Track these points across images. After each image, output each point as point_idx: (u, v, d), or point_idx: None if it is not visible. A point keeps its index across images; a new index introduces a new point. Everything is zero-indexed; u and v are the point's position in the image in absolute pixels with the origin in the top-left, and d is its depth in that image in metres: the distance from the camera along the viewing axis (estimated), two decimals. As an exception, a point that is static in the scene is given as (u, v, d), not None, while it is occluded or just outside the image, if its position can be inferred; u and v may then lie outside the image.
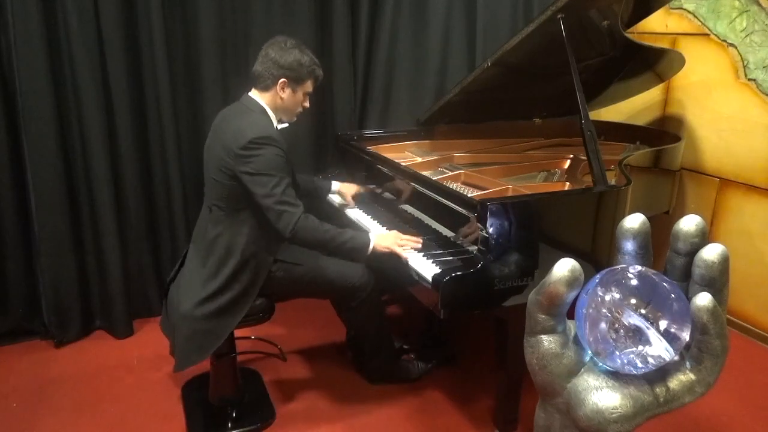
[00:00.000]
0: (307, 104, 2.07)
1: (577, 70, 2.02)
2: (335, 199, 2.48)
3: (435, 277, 1.72)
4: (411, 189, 2.17)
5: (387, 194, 2.39)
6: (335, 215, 2.45)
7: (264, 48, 1.98)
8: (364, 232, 1.99)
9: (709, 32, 2.80)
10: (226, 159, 1.88)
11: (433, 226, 2.04)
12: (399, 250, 1.89)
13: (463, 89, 2.43)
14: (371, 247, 1.92)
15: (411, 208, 2.20)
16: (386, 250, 1.91)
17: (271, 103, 1.99)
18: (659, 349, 0.46)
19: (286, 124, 2.06)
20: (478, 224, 1.74)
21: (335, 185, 2.44)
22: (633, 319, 0.46)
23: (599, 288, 0.48)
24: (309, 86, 2.03)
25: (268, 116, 1.98)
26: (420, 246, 1.93)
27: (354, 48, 2.91)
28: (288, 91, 1.97)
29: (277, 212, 1.87)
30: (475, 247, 1.77)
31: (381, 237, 1.95)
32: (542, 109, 2.87)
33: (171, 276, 2.11)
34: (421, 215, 2.13)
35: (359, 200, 2.44)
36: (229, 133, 1.90)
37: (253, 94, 2.00)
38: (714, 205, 2.88)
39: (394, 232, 1.98)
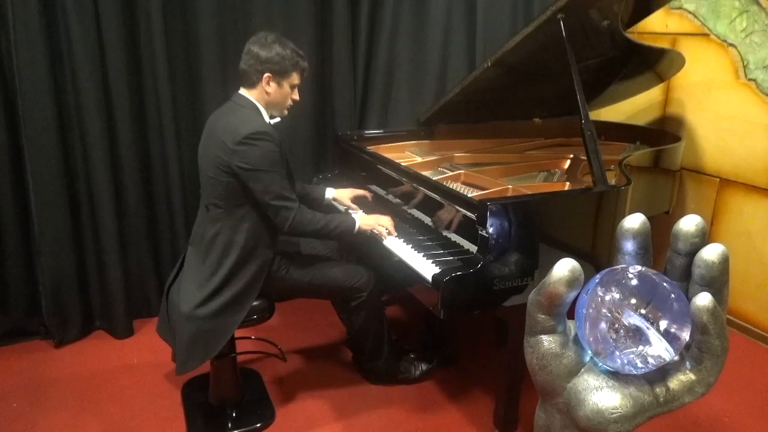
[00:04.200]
0: (296, 97, 2.07)
1: (577, 70, 2.01)
2: (338, 207, 2.43)
3: (435, 277, 1.72)
4: (411, 189, 2.17)
5: (387, 194, 2.39)
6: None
7: (246, 45, 1.99)
8: (349, 216, 2.12)
9: (709, 32, 2.80)
10: (221, 156, 1.89)
11: (433, 226, 2.05)
12: (380, 229, 2.10)
13: (463, 89, 2.42)
14: (357, 227, 2.07)
15: (411, 208, 2.20)
16: (369, 228, 2.10)
17: (260, 98, 2.00)
18: (659, 349, 0.46)
19: (278, 119, 2.07)
20: (478, 224, 1.74)
21: (329, 192, 2.39)
22: (633, 319, 0.46)
23: (599, 288, 0.47)
24: (295, 78, 2.02)
25: (260, 112, 2.00)
26: (393, 229, 2.13)
27: (354, 48, 2.91)
28: (274, 85, 1.98)
29: (276, 208, 1.93)
30: (475, 247, 1.77)
31: (364, 218, 2.14)
32: (542, 109, 2.87)
33: (170, 279, 2.11)
34: (421, 215, 2.14)
35: (360, 203, 2.42)
36: (223, 130, 1.92)
37: (243, 91, 2.01)
38: (714, 205, 2.88)
39: (376, 215, 2.17)
